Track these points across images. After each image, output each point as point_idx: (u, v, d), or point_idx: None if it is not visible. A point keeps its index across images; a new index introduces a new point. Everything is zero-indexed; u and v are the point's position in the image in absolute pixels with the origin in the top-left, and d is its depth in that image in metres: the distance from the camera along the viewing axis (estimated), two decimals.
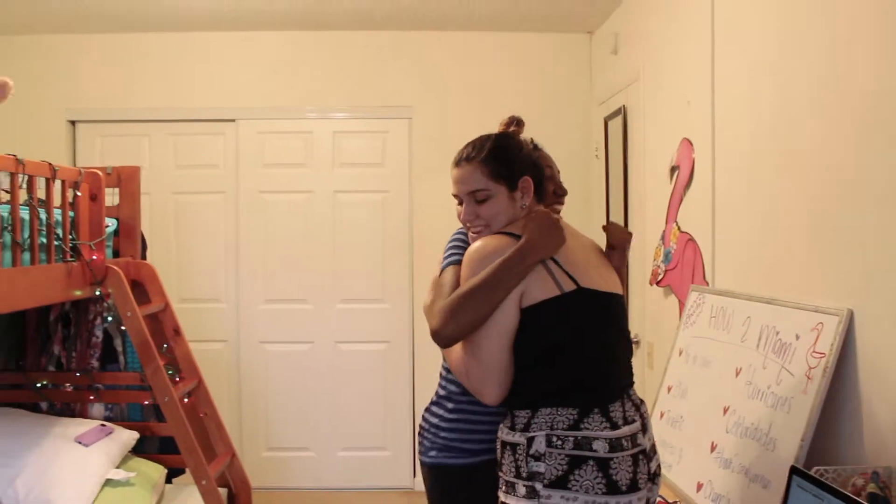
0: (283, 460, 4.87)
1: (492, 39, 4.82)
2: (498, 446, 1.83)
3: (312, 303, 4.86)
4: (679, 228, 3.22)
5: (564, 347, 1.76)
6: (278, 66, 4.83)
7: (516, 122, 2.04)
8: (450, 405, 1.98)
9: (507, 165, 1.89)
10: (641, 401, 1.89)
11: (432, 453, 1.98)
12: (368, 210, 4.87)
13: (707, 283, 2.90)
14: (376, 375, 4.87)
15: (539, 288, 1.77)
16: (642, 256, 3.73)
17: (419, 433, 2.06)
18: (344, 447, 4.87)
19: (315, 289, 4.86)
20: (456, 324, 1.74)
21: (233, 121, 4.84)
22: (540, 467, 1.69)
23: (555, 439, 1.70)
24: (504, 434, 1.80)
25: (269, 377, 4.87)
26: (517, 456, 1.73)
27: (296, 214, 4.85)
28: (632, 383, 1.91)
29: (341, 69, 4.83)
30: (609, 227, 2.11)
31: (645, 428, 1.83)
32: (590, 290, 1.81)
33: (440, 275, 1.95)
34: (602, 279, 1.89)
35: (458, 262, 1.91)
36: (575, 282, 1.79)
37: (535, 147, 2.12)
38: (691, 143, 3.11)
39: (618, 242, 2.07)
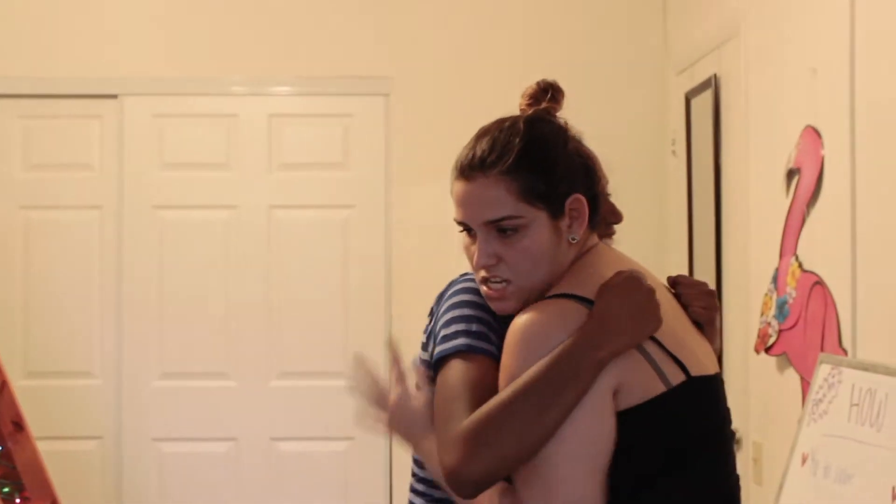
0: None
1: None
2: None
3: (236, 378, 4.86)
4: (801, 266, 3.20)
5: (676, 471, 1.70)
6: (186, 18, 4.86)
7: (551, 92, 1.88)
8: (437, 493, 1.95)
9: (547, 176, 1.75)
10: None
11: None
12: (323, 235, 4.87)
13: (845, 352, 2.88)
14: (334, 489, 4.84)
15: (638, 381, 1.69)
16: (744, 308, 3.70)
17: None
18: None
19: (240, 357, 4.86)
20: (493, 455, 1.63)
21: (114, 97, 4.87)
22: None
23: None
24: None
25: (166, 493, 4.84)
26: None
27: (211, 242, 4.86)
28: None
29: (283, 23, 4.86)
30: (683, 289, 2.04)
31: None
32: (701, 377, 1.75)
33: (441, 371, 1.83)
34: (703, 354, 1.83)
35: (472, 350, 1.80)
36: (683, 369, 1.73)
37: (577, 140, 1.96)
38: (819, 135, 3.09)
39: (703, 317, 2.01)
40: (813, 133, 3.13)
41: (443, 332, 1.85)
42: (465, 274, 1.95)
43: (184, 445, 4.85)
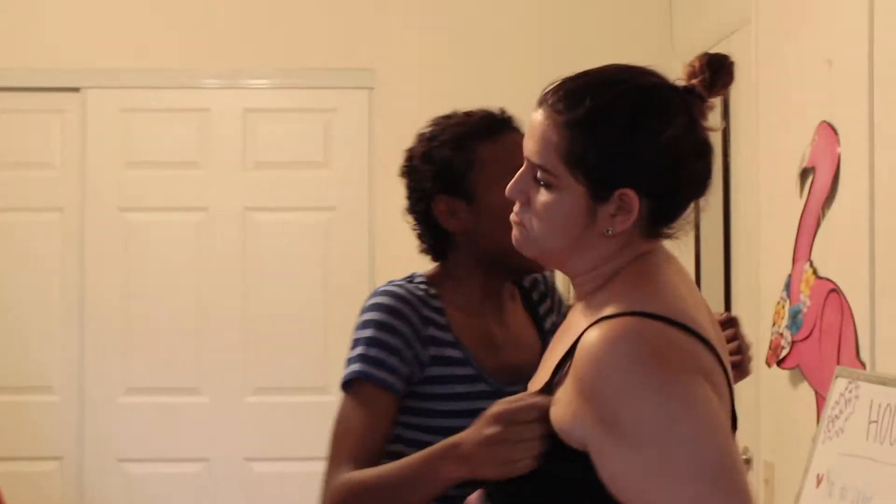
0: None
1: None
2: None
3: (207, 393, 4.88)
4: (815, 272, 3.20)
5: None
6: (155, 4, 4.88)
7: (715, 70, 1.69)
8: None
9: (605, 152, 1.59)
10: None
11: None
12: (302, 239, 4.88)
13: (863, 365, 2.88)
14: None
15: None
16: (753, 318, 3.71)
17: None
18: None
19: (212, 372, 4.87)
20: None
21: (76, 90, 4.90)
22: None
23: None
24: None
25: None
26: None
27: (181, 246, 4.88)
28: None
29: (259, 11, 4.88)
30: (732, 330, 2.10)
31: None
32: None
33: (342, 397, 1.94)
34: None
35: (365, 377, 1.98)
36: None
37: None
38: (835, 131, 3.10)
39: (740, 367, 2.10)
40: (828, 129, 3.13)
41: (348, 353, 2.00)
42: (392, 281, 2.00)
43: (151, 466, 4.86)
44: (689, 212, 1.69)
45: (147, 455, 4.86)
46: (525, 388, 1.80)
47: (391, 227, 4.79)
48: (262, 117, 4.92)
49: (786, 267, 3.41)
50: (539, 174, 1.61)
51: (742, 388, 3.79)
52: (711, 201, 4.27)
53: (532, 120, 1.64)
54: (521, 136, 1.77)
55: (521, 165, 1.66)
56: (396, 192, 4.92)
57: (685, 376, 1.49)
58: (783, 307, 3.42)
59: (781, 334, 3.41)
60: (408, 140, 4.86)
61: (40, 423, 4.83)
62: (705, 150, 1.65)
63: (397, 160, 4.85)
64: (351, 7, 4.84)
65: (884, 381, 2.64)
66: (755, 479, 3.69)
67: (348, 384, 1.96)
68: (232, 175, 4.89)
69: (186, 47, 4.87)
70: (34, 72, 4.87)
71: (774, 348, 3.45)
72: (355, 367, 1.91)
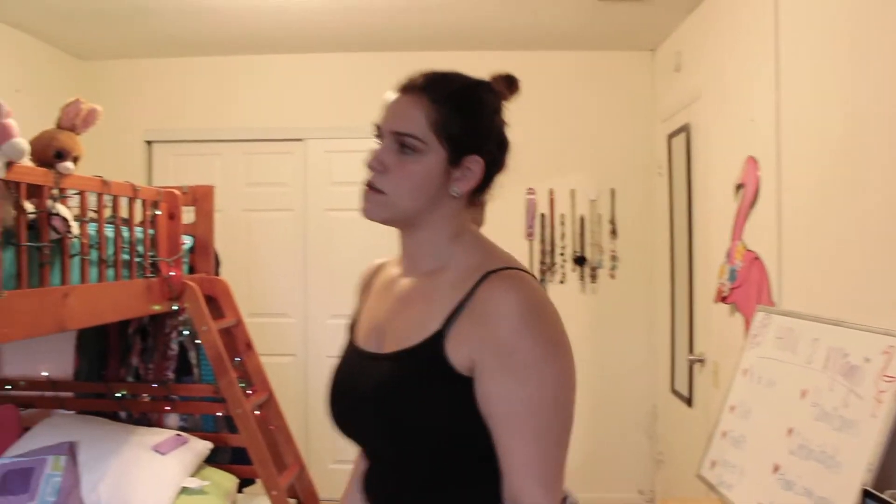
0: (349, 472, 4.92)
1: (553, 58, 4.84)
2: None
3: None
4: (745, 247, 3.20)
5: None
6: (344, 86, 4.94)
7: (508, 83, 1.38)
8: None
9: (465, 122, 1.31)
10: None
11: None
12: None
13: (773, 304, 2.88)
14: None
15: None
16: (707, 273, 3.71)
17: None
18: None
19: None
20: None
21: (301, 140, 4.97)
22: None
23: None
24: None
25: None
26: None
27: (361, 232, 4.87)
28: None
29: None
30: None
31: None
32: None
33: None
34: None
35: None
36: None
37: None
38: (756, 162, 3.09)
39: None
40: (752, 161, 3.14)
41: None
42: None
43: None
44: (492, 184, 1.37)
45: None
46: None
47: (491, 229, 4.86)
48: None
49: (726, 243, 3.42)
50: (407, 141, 1.28)
51: (701, 317, 3.82)
52: (680, 205, 4.25)
53: (396, 101, 1.31)
54: None
55: None
56: (494, 205, 4.96)
57: (562, 328, 1.24)
58: (725, 267, 3.43)
59: (724, 284, 3.42)
60: None
61: (282, 334, 4.95)
62: (505, 134, 1.39)
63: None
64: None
65: (786, 314, 2.67)
66: (707, 373, 3.71)
67: None
68: None
69: (362, 113, 4.80)
70: (275, 129, 4.97)
71: (719, 292, 3.47)
72: None
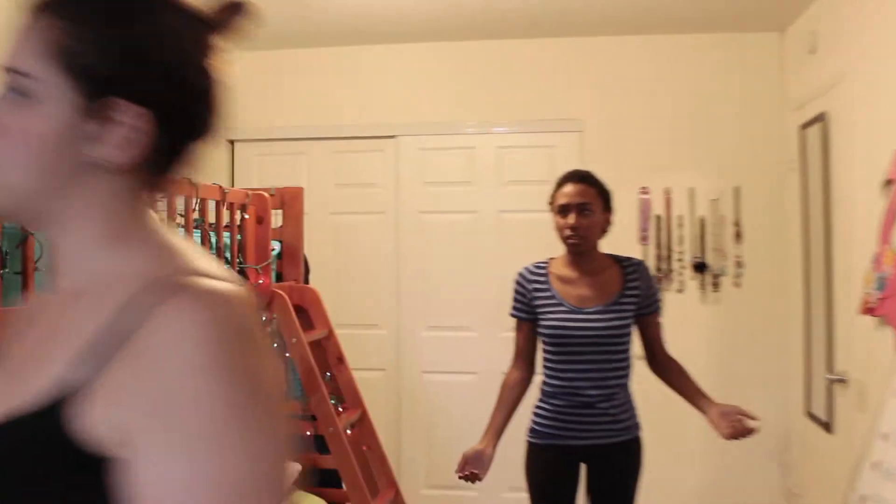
0: (444, 499, 4.95)
1: (668, 43, 4.77)
2: None
3: (476, 330, 4.94)
4: (895, 251, 3.08)
5: None
6: (440, 79, 4.98)
7: (230, 8, 1.04)
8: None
9: (108, 44, 0.84)
10: None
11: None
12: (536, 231, 4.86)
13: None
14: None
15: None
16: (848, 282, 3.58)
17: None
18: (510, 487, 4.86)
19: (479, 316, 4.93)
20: None
21: (393, 137, 5.02)
22: None
23: None
24: None
25: (431, 409, 4.96)
26: None
27: (458, 236, 4.96)
28: None
29: (504, 81, 4.92)
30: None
31: None
32: None
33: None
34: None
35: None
36: None
37: None
38: None
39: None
40: None
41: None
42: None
43: (441, 377, 4.96)
44: (191, 155, 1.00)
45: (440, 369, 4.97)
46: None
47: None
48: (508, 151, 4.95)
49: (873, 247, 3.30)
50: (11, 80, 0.85)
51: (841, 331, 3.69)
52: (816, 203, 4.13)
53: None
54: None
55: None
56: None
57: (272, 370, 0.84)
58: (871, 275, 3.30)
59: (870, 294, 3.30)
60: (607, 165, 4.87)
61: (372, 347, 4.99)
62: (211, 76, 1.03)
63: (602, 178, 4.75)
64: (565, 79, 4.86)
65: None
66: (851, 395, 3.58)
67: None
68: (490, 189, 4.95)
69: (458, 107, 4.96)
70: (364, 126, 5.03)
71: (865, 303, 3.34)
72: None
